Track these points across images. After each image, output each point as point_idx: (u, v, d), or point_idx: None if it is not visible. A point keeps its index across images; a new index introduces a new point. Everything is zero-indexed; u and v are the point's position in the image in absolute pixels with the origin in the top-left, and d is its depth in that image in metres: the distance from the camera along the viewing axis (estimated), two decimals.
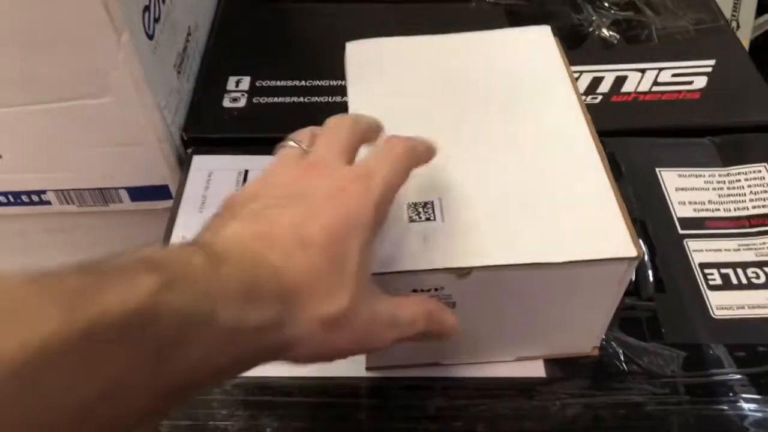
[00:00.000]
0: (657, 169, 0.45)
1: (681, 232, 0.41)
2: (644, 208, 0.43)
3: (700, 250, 0.40)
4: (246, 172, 0.45)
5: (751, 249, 0.40)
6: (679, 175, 0.44)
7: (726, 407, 0.34)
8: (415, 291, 0.30)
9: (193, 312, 0.21)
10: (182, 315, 0.20)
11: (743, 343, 0.36)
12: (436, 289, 0.30)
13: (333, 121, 0.30)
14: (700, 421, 0.33)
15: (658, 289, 0.39)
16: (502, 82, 0.38)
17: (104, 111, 0.41)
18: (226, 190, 0.44)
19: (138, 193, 0.47)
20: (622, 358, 0.36)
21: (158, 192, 0.47)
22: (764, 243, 0.41)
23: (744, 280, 0.39)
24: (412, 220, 0.31)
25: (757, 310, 0.38)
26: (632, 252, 0.29)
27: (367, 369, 0.35)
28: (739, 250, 0.40)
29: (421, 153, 0.30)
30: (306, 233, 0.25)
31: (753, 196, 0.43)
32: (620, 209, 0.31)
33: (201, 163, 0.45)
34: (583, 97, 0.42)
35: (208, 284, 0.22)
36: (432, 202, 0.32)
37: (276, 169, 0.28)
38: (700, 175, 0.44)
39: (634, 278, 0.39)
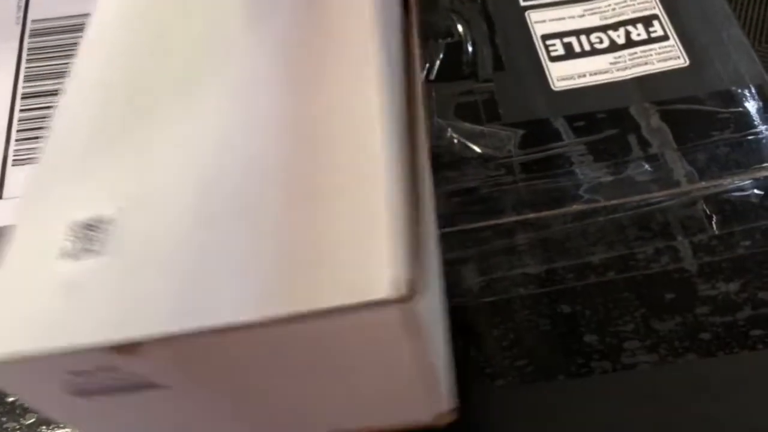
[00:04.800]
0: None
1: (522, 4, 0.38)
2: None
3: (542, 21, 0.37)
4: None
5: (596, 13, 0.37)
6: None
7: (561, 179, 0.32)
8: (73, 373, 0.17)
9: None
10: None
11: (583, 113, 0.34)
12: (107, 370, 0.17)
13: None
14: (535, 195, 0.32)
15: (497, 67, 0.36)
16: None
17: None
18: None
19: None
20: (457, 146, 0.33)
21: None
22: (609, 4, 0.37)
23: (587, 47, 0.36)
24: (63, 254, 0.18)
25: (597, 77, 0.35)
26: (401, 289, 0.15)
27: None
28: (583, 15, 0.37)
29: None
30: None
31: None
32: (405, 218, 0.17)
33: None
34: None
35: None
36: (106, 219, 0.18)
37: None
38: None
39: (470, 59, 0.36)
